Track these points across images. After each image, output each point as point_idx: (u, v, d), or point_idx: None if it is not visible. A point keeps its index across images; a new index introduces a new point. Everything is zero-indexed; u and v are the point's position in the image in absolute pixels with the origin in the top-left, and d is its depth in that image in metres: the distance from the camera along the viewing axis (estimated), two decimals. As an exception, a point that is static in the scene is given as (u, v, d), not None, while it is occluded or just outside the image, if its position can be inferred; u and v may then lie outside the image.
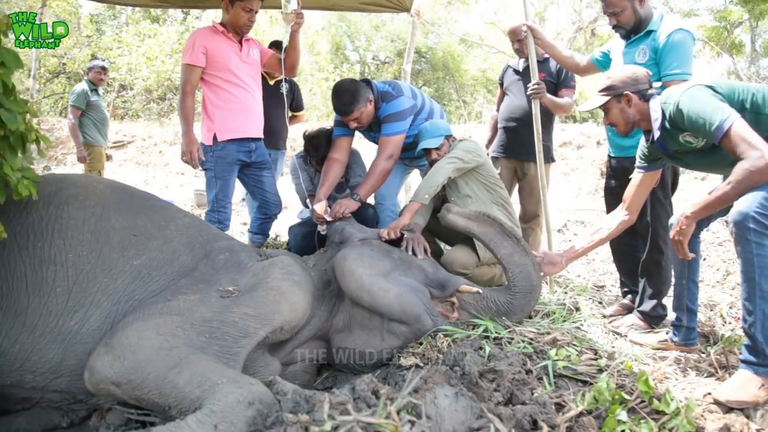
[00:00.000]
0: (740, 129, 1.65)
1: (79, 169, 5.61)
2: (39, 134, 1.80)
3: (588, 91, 11.76)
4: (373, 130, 2.91)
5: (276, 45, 3.81)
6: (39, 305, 1.71)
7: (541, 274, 2.20)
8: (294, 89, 4.26)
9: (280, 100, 3.62)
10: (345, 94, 2.70)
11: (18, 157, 1.68)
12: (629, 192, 2.20)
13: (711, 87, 1.80)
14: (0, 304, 1.69)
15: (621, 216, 2.22)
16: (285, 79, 3.60)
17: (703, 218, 2.07)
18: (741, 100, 1.80)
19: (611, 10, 2.39)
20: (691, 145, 1.90)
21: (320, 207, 2.69)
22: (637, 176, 2.18)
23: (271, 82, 3.93)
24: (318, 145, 3.01)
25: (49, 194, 1.88)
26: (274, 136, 3.82)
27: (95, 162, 5.18)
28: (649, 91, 1.99)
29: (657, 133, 1.95)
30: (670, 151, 2.01)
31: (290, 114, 4.22)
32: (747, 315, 1.67)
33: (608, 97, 2.03)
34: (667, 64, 2.26)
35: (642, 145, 2.15)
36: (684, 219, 1.83)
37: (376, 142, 2.94)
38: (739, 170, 1.65)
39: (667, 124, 1.92)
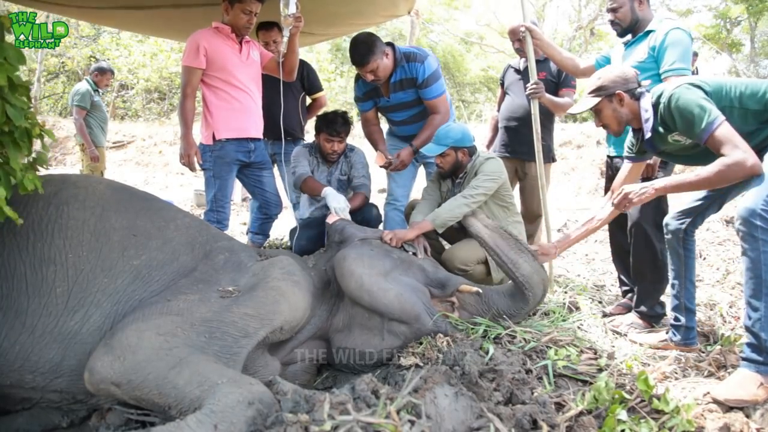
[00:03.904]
0: (725, 131, 1.72)
1: (77, 169, 5.59)
2: (44, 129, 1.79)
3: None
4: (392, 91, 2.92)
5: (264, 26, 3.50)
6: (39, 305, 1.71)
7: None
8: (306, 70, 3.82)
9: (293, 89, 3.53)
10: (361, 46, 2.71)
11: (25, 155, 1.68)
12: (617, 182, 2.23)
13: (699, 86, 1.82)
14: (0, 305, 1.69)
15: (610, 205, 2.20)
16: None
17: (697, 215, 2.07)
18: (730, 96, 1.82)
19: (611, 6, 2.50)
20: (679, 143, 1.92)
21: (381, 158, 2.92)
22: (625, 166, 2.22)
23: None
24: (332, 120, 2.94)
25: (49, 194, 1.88)
26: (290, 127, 3.52)
27: (98, 162, 5.17)
28: (639, 90, 2.00)
29: (648, 134, 1.95)
30: (658, 149, 2.04)
31: (309, 100, 3.94)
32: (751, 312, 1.66)
33: (600, 98, 2.02)
34: (666, 60, 2.29)
35: (630, 136, 2.16)
36: (652, 189, 1.88)
37: (391, 111, 3.05)
38: (718, 164, 1.72)
39: (659, 128, 1.93)
